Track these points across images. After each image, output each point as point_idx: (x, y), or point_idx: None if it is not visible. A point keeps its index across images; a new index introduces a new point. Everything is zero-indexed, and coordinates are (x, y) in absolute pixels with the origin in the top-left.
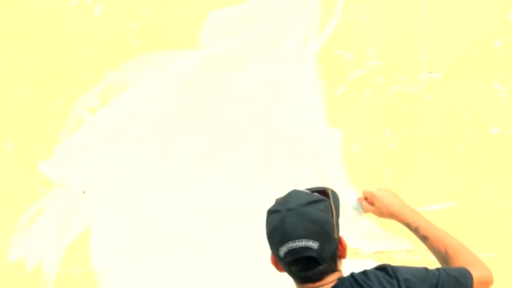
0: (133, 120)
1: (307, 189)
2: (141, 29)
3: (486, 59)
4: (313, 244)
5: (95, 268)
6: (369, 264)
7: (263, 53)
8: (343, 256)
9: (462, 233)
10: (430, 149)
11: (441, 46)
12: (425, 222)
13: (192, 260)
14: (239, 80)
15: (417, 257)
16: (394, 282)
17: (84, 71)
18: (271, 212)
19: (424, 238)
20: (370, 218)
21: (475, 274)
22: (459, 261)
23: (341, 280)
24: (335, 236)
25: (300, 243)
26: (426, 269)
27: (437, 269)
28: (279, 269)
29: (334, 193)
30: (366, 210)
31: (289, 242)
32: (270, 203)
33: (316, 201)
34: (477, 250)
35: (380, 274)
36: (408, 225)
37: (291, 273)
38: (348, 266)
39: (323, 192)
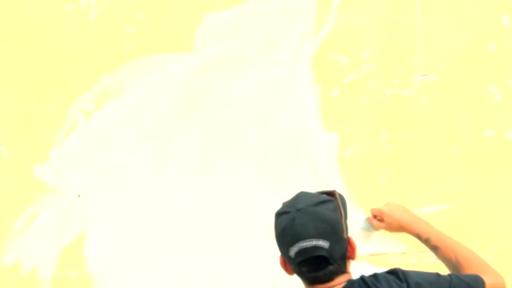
0: (129, 123)
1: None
2: (136, 33)
3: (480, 62)
4: (324, 244)
5: (91, 271)
6: (364, 267)
7: (258, 57)
8: (352, 257)
9: (457, 235)
10: (426, 152)
11: (436, 49)
12: (436, 232)
13: (188, 263)
14: (235, 83)
15: (412, 259)
16: (405, 286)
17: (79, 75)
18: (279, 214)
19: (435, 248)
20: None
21: (488, 281)
22: (470, 269)
23: (351, 282)
24: (345, 236)
25: (311, 242)
26: (437, 274)
27: (449, 275)
28: (288, 272)
29: (340, 194)
30: (377, 228)
31: (300, 242)
32: (267, 205)
33: (324, 202)
34: None
35: (391, 278)
36: (419, 236)
37: (301, 274)
38: None
39: (330, 193)
